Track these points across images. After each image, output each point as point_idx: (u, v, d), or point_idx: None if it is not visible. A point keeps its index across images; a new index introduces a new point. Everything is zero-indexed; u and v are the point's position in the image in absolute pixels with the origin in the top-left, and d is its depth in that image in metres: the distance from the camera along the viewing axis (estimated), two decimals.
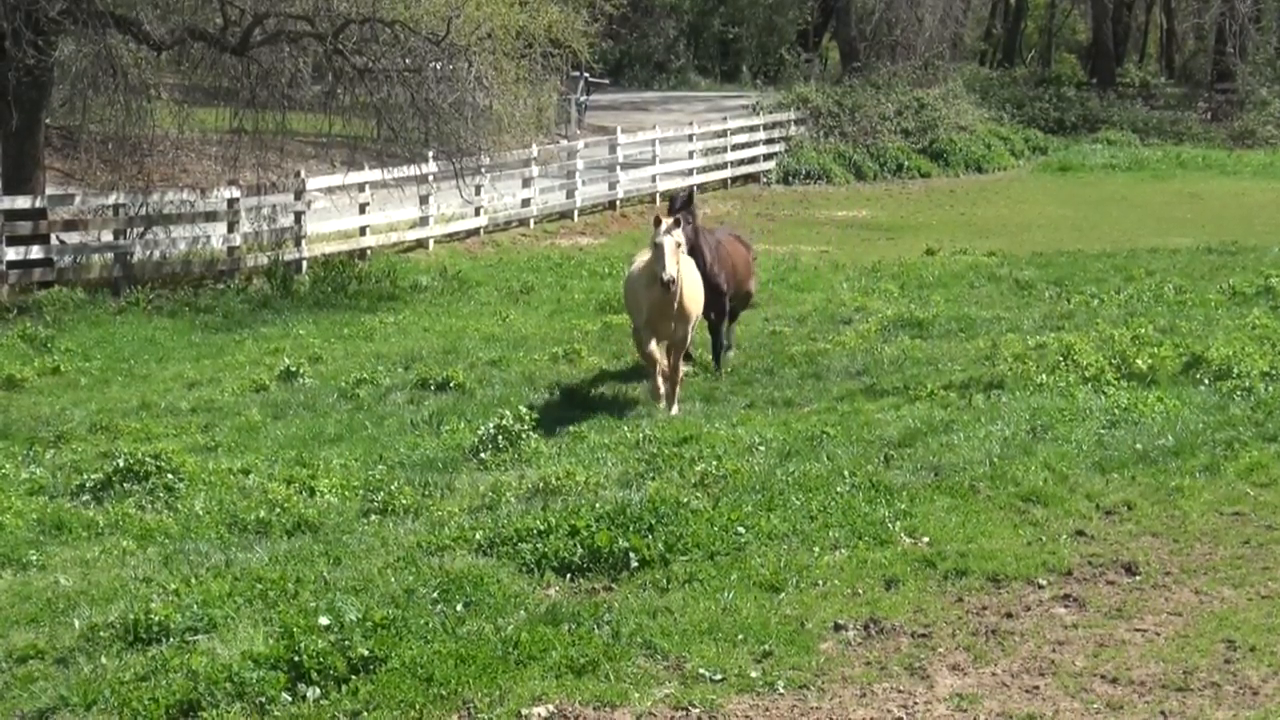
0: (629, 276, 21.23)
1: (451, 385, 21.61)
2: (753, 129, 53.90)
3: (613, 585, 12.07)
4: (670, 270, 19.21)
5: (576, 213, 43.71)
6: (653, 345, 20.04)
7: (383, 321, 28.97)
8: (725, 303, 22.70)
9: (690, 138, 49.86)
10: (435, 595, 11.54)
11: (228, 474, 16.56)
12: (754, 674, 10.31)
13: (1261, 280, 28.06)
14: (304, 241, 34.69)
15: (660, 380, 20.13)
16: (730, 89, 74.72)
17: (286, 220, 34.58)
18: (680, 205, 21.75)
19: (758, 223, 44.63)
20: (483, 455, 16.87)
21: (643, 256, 20.70)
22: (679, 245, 19.48)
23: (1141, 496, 14.43)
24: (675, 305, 19.74)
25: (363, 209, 36.54)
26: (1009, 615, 11.52)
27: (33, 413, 21.15)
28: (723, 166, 51.32)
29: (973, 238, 40.78)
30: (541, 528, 12.91)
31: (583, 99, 56.12)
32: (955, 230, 43.05)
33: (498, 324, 28.17)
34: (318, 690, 9.90)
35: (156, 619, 10.96)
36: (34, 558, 13.57)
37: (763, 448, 16.70)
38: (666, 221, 19.57)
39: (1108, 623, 11.34)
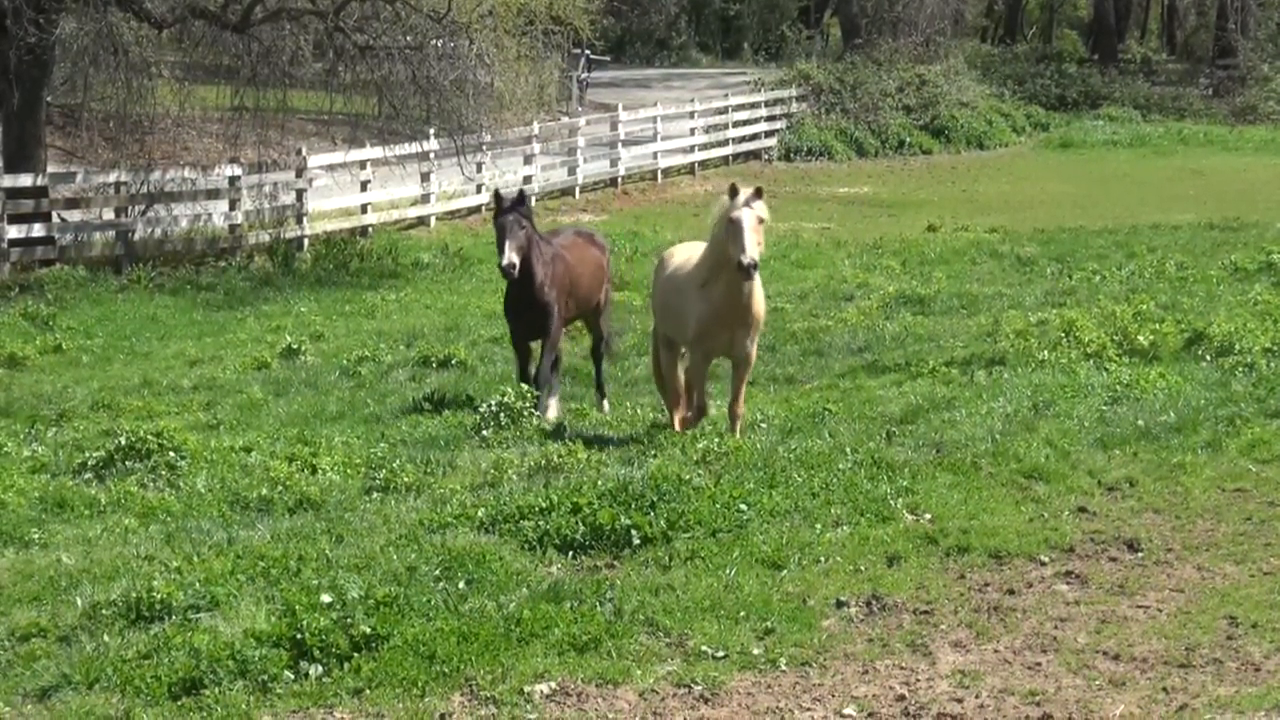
0: (667, 274, 16.91)
1: (453, 362, 21.61)
2: (754, 106, 53.90)
3: (615, 562, 12.08)
4: (751, 252, 15.14)
5: (578, 190, 43.76)
6: (680, 373, 16.88)
7: (384, 299, 28.98)
8: (552, 326, 18.64)
9: (692, 115, 49.86)
10: (437, 573, 11.54)
11: (230, 452, 16.56)
12: (756, 651, 10.31)
13: (1263, 256, 28.04)
14: (305, 219, 34.72)
15: (686, 413, 16.82)
16: (732, 66, 74.70)
17: (288, 198, 34.62)
18: (513, 205, 17.96)
19: None
20: (485, 433, 16.86)
21: (685, 251, 17.15)
22: (761, 221, 15.43)
23: (1143, 473, 14.43)
24: (747, 306, 15.90)
25: (364, 186, 36.57)
26: (1011, 592, 11.52)
27: (35, 391, 21.16)
28: (724, 143, 51.35)
29: (974, 214, 40.76)
30: (544, 505, 12.91)
31: (584, 76, 56.11)
32: (957, 207, 43.02)
33: (499, 301, 28.13)
34: (320, 668, 9.90)
35: (159, 597, 10.96)
36: (36, 536, 13.58)
37: (764, 425, 16.71)
38: (745, 190, 15.60)
39: (1110, 599, 11.35)
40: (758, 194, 15.49)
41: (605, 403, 19.22)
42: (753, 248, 15.13)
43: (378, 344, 23.62)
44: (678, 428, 16.71)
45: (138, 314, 27.31)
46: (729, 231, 15.35)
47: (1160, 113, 66.87)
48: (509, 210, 17.90)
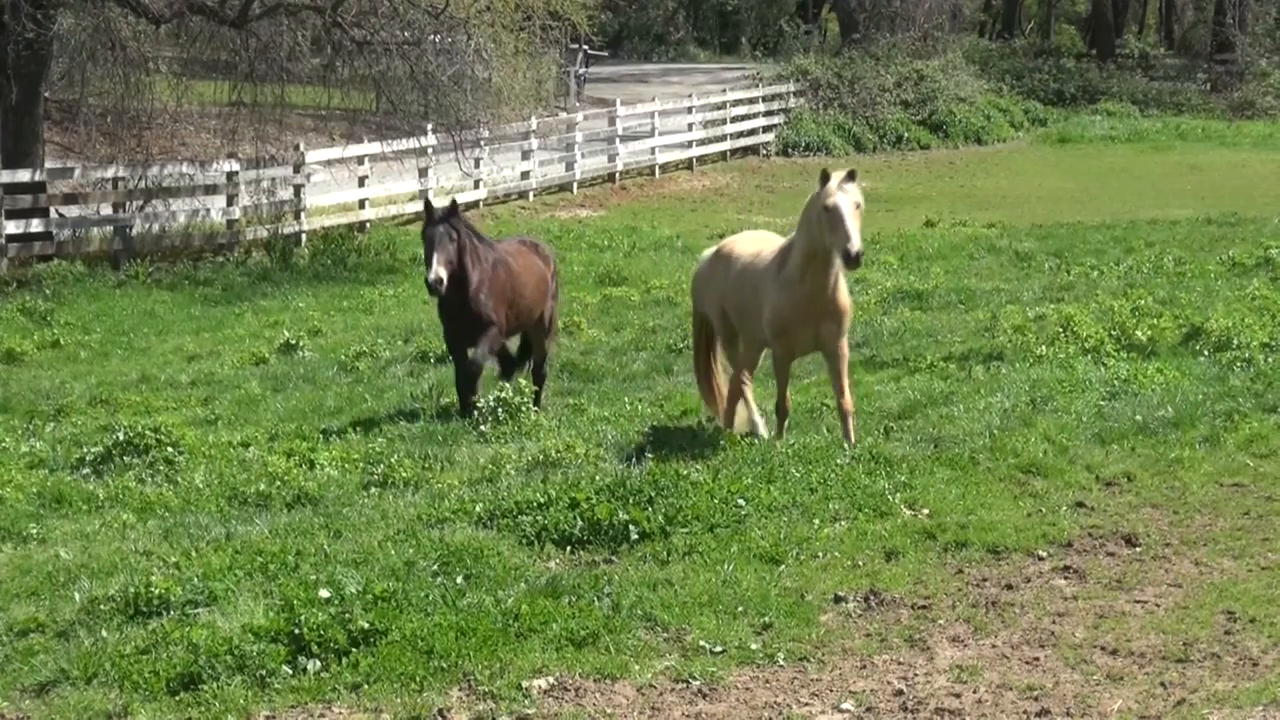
0: (739, 269, 15.75)
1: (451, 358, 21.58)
2: (752, 101, 53.87)
3: (613, 558, 12.08)
4: (857, 240, 14.17)
5: (576, 185, 43.75)
6: (729, 373, 16.41)
7: (382, 294, 28.98)
8: (488, 335, 17.60)
9: (689, 110, 49.87)
10: (435, 568, 11.55)
11: (228, 447, 16.57)
12: (754, 646, 10.32)
13: (1261, 251, 28.04)
14: (303, 214, 34.74)
15: (731, 416, 16.23)
16: (730, 61, 74.72)
17: (286, 193, 34.66)
18: (444, 215, 17.07)
19: (757, 194, 44.64)
20: (483, 428, 16.86)
21: (752, 242, 16.36)
22: (858, 206, 14.42)
23: (1141, 468, 14.44)
24: (833, 298, 14.98)
25: (362, 182, 36.57)
26: (1009, 587, 11.53)
27: (32, 386, 21.15)
28: (722, 138, 51.34)
29: (972, 209, 40.76)
30: (541, 500, 12.92)
31: (582, 71, 56.13)
32: (955, 202, 43.02)
33: None
34: (318, 663, 9.91)
35: (157, 592, 10.96)
36: (34, 531, 13.58)
37: (762, 419, 16.69)
38: (838, 174, 14.49)
39: (1108, 594, 11.36)
40: (850, 177, 14.50)
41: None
42: (857, 236, 14.16)
43: (376, 339, 23.61)
44: (735, 428, 16.09)
45: (135, 309, 27.30)
46: (826, 220, 14.28)
47: (1158, 108, 66.85)
48: (439, 221, 16.96)
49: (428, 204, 17.56)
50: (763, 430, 15.90)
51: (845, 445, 14.92)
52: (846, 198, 14.23)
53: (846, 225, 14.08)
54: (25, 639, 10.76)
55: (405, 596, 10.79)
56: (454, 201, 17.84)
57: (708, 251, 17.26)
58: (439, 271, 16.68)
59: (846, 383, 15.24)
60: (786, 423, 15.62)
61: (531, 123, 40.91)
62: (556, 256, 20.14)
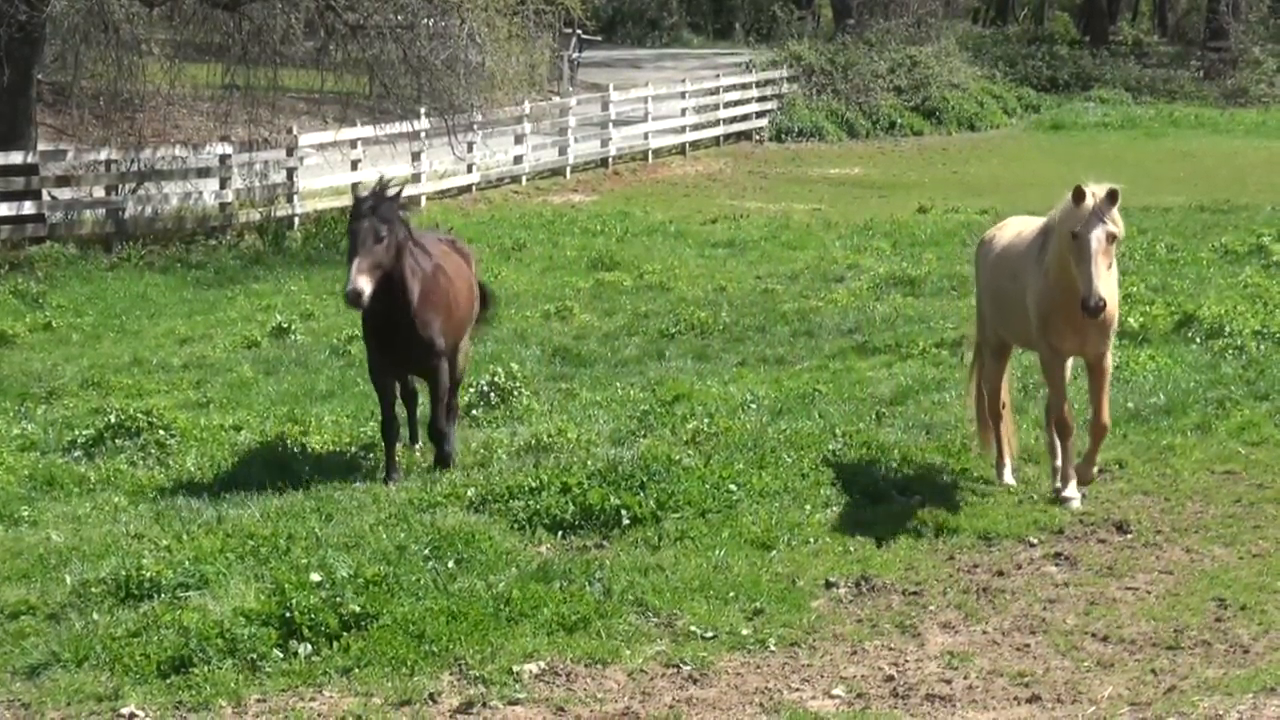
0: (996, 255, 14.26)
1: None
2: (746, 86, 53.72)
3: (604, 543, 12.10)
4: (1098, 288, 12.31)
5: (569, 170, 43.68)
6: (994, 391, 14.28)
7: None
8: (442, 362, 14.45)
9: (683, 95, 49.75)
10: (427, 552, 11.56)
11: (220, 430, 16.55)
12: (745, 631, 10.34)
13: (1254, 239, 28.04)
14: (296, 198, 34.65)
15: (993, 444, 14.25)
16: (723, 46, 74.56)
17: (279, 176, 34.57)
18: (371, 206, 13.93)
19: (750, 180, 44.58)
20: (475, 412, 16.86)
21: (1015, 225, 14.76)
22: (1113, 239, 12.56)
23: (1133, 455, 14.47)
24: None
25: (355, 165, 36.46)
26: (1000, 573, 11.56)
27: (24, 369, 21.12)
28: (715, 124, 51.21)
29: (965, 196, 40.70)
30: (533, 485, 12.94)
31: (575, 56, 55.98)
32: (948, 188, 42.97)
33: (490, 281, 28.13)
34: (309, 646, 9.92)
35: (148, 575, 10.97)
36: (26, 514, 13.57)
37: (755, 405, 16.70)
38: (1094, 190, 12.55)
39: (1099, 581, 11.38)
40: (1111, 199, 12.57)
41: (451, 448, 14.65)
42: (1098, 282, 12.32)
43: None
44: (1005, 458, 14.10)
45: (128, 292, 27.25)
46: (1073, 250, 12.53)
47: (1151, 95, 66.76)
48: (364, 215, 13.69)
49: (354, 191, 13.90)
50: (1009, 478, 13.94)
51: (1072, 477, 13.29)
52: (1100, 230, 12.47)
53: (1090, 267, 12.38)
54: (16, 621, 10.76)
55: (396, 581, 10.80)
56: (385, 185, 14.33)
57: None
58: (357, 283, 13.31)
59: (1105, 398, 13.49)
60: (1071, 441, 13.42)
61: (525, 107, 40.80)
62: (475, 256, 16.94)
